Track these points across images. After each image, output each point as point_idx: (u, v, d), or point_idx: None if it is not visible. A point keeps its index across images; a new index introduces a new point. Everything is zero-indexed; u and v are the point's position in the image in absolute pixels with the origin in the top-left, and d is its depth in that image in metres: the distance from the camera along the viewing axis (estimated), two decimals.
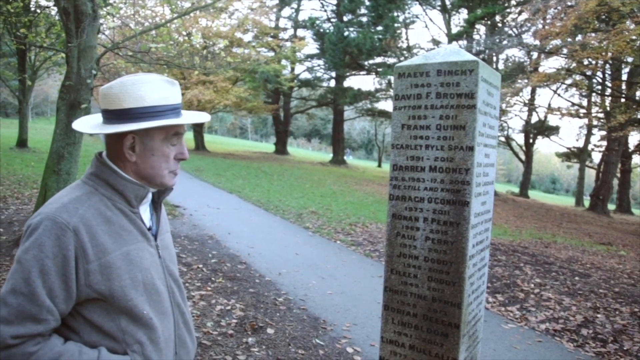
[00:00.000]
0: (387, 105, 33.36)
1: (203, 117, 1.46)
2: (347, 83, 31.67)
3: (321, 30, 29.61)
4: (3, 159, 14.54)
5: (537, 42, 16.90)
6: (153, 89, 1.32)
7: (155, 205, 1.51)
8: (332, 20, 30.35)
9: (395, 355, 2.09)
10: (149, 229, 1.43)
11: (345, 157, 35.40)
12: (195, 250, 6.73)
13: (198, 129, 30.93)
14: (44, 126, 36.75)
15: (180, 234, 7.60)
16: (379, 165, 41.53)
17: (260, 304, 4.87)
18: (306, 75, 33.41)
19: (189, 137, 39.82)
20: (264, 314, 4.60)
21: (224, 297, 4.96)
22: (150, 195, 1.45)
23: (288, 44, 30.20)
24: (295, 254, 7.16)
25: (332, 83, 32.27)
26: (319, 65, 32.30)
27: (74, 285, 1.21)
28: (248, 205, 11.62)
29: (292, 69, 33.14)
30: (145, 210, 1.45)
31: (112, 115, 1.32)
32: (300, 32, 32.69)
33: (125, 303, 1.27)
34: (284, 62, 29.84)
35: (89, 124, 1.39)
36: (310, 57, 32.10)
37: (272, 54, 29.00)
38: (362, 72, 30.95)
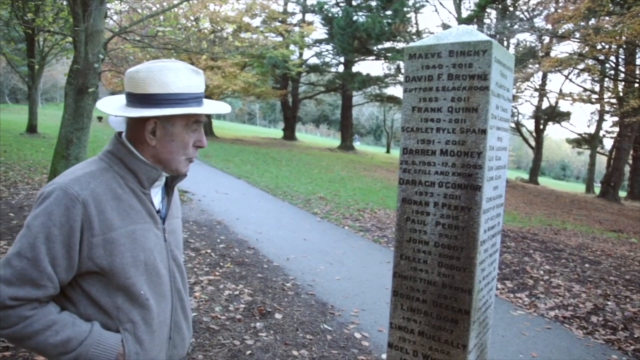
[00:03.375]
0: (396, 90, 33.13)
1: (224, 108, 1.47)
2: (355, 68, 31.41)
3: (330, 14, 29.29)
4: (13, 144, 14.64)
5: (549, 26, 16.63)
6: (179, 76, 1.34)
7: (168, 190, 1.54)
8: (341, 4, 29.98)
9: (404, 341, 2.06)
10: (158, 212, 1.45)
11: (353, 143, 35.26)
12: (203, 235, 6.74)
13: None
14: (54, 112, 36.92)
15: (188, 219, 7.62)
16: (388, 151, 41.34)
17: (268, 289, 4.88)
18: (314, 61, 33.17)
19: None
20: (272, 299, 4.60)
21: (232, 282, 4.97)
22: (163, 179, 1.48)
23: (296, 28, 29.92)
24: (304, 239, 7.15)
25: (341, 68, 32.02)
26: (327, 51, 32.04)
27: (77, 256, 1.24)
28: (256, 190, 11.63)
29: (301, 54, 32.90)
30: (156, 194, 1.47)
31: (136, 99, 1.35)
32: (309, 17, 32.39)
33: (123, 280, 1.29)
34: (292, 47, 29.60)
35: (113, 106, 1.40)
36: (319, 42, 31.82)
37: (280, 39, 28.78)
38: (370, 57, 30.66)
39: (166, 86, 1.32)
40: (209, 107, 1.43)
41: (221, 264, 5.54)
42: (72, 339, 1.24)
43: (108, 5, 6.68)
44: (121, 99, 1.43)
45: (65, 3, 9.79)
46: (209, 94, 26.59)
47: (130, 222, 1.32)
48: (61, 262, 1.22)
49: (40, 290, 1.22)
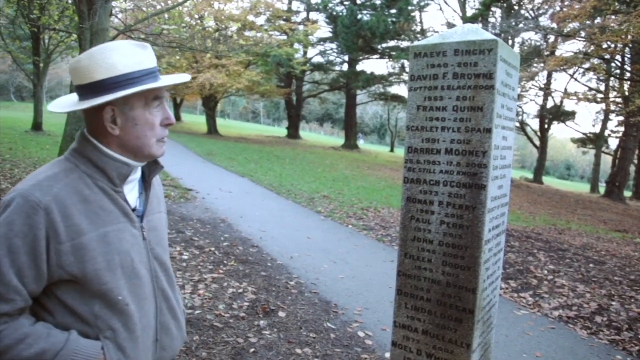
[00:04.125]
0: (400, 89, 33.09)
1: (182, 78, 1.38)
2: (359, 67, 31.36)
3: (334, 13, 29.27)
4: (19, 142, 14.70)
5: (555, 25, 16.56)
6: (124, 55, 1.24)
7: (146, 184, 1.44)
8: (345, 3, 29.92)
9: (408, 340, 2.07)
10: (134, 210, 1.36)
11: (357, 142, 35.24)
12: (207, 233, 6.76)
13: (210, 112, 30.97)
14: None
15: (192, 217, 7.63)
16: (392, 150, 41.29)
17: (271, 287, 4.89)
18: (319, 59, 33.15)
19: (201, 121, 39.94)
20: (276, 297, 4.61)
21: (235, 280, 4.98)
22: (137, 173, 1.40)
23: (300, 27, 29.91)
24: (307, 237, 7.16)
25: (345, 67, 31.97)
26: (331, 49, 32.02)
27: (45, 265, 1.17)
28: (260, 189, 11.64)
29: (305, 53, 32.88)
30: (131, 189, 1.38)
31: (85, 90, 1.25)
32: (313, 15, 32.38)
33: (98, 287, 1.22)
34: (296, 45, 29.59)
35: (64, 104, 1.33)
36: (323, 40, 31.80)
37: (284, 37, 28.78)
38: (375, 56, 30.59)
39: (113, 68, 1.22)
40: (165, 79, 1.32)
41: (225, 261, 5.55)
42: (47, 351, 1.17)
43: (113, 4, 6.70)
44: (74, 96, 1.33)
45: (70, 1, 9.82)
46: (213, 92, 26.64)
47: (101, 225, 1.24)
48: (28, 272, 1.15)
49: (8, 305, 1.15)
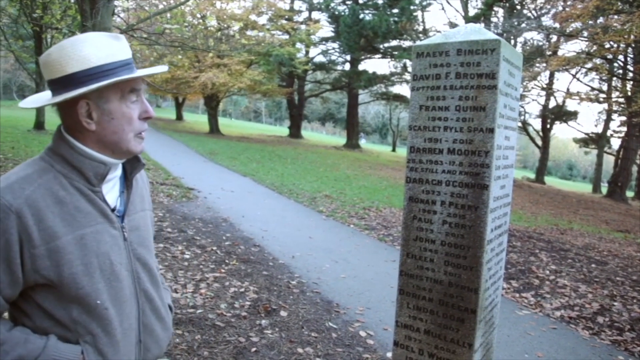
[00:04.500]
0: (402, 89, 33.14)
1: (159, 68, 1.33)
2: (362, 66, 31.31)
3: (336, 12, 29.24)
4: (21, 141, 14.73)
5: (557, 25, 16.52)
6: (96, 47, 1.20)
7: (127, 183, 1.40)
8: (347, 2, 29.91)
9: (410, 339, 2.07)
10: (113, 210, 1.32)
11: (359, 142, 35.22)
12: (209, 232, 6.76)
13: (212, 112, 30.97)
14: None
15: (194, 216, 7.64)
16: (393, 150, 41.26)
17: (273, 286, 4.89)
18: (321, 59, 33.11)
19: (203, 120, 39.92)
20: (277, 297, 4.61)
21: (237, 279, 4.99)
22: (118, 172, 1.36)
23: (303, 26, 29.90)
24: (309, 237, 7.16)
25: (347, 66, 31.94)
26: (333, 49, 31.98)
27: (19, 270, 1.14)
28: (262, 188, 11.65)
29: (307, 52, 32.88)
30: (111, 188, 1.34)
31: (58, 85, 1.21)
32: (315, 15, 32.36)
33: (76, 291, 1.19)
34: (298, 45, 29.58)
35: (37, 100, 1.30)
36: (325, 40, 31.78)
37: (286, 36, 28.77)
38: (377, 56, 30.58)
39: (85, 60, 1.18)
40: (141, 71, 1.28)
41: (227, 261, 5.56)
42: (24, 357, 1.14)
43: (115, 3, 6.71)
44: (47, 93, 1.29)
45: (73, 1, 9.83)
46: (215, 91, 26.64)
47: (77, 227, 1.20)
48: (2, 278, 1.12)
49: None
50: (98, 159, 1.25)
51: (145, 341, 1.38)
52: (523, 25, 18.45)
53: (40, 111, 18.90)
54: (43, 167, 1.22)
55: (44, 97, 1.29)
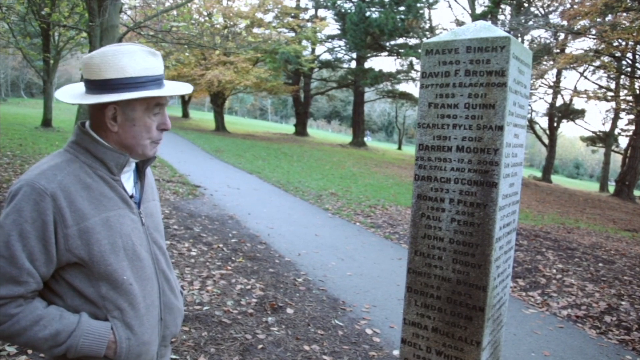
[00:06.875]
0: (408, 87, 33.12)
1: (185, 89, 1.44)
2: (368, 64, 31.25)
3: (342, 10, 29.17)
4: (29, 138, 14.81)
5: (565, 23, 16.43)
6: (134, 59, 1.32)
7: (140, 174, 1.52)
8: (354, 0, 29.87)
9: (418, 337, 2.07)
10: (131, 197, 1.44)
11: (365, 139, 35.18)
12: (215, 229, 6.78)
13: (218, 109, 31.03)
14: (68, 106, 37.22)
15: (200, 213, 7.66)
16: (399, 148, 41.16)
17: (280, 284, 4.90)
18: (327, 56, 33.06)
19: (209, 118, 40.00)
20: (284, 294, 4.62)
21: (244, 276, 5.00)
22: (133, 164, 1.47)
23: (309, 24, 29.85)
24: (315, 235, 7.17)
25: (353, 64, 31.88)
26: (339, 46, 31.93)
27: (54, 249, 1.24)
28: (268, 186, 11.66)
29: (313, 50, 32.85)
30: (127, 179, 1.46)
31: (93, 86, 1.33)
32: (321, 12, 32.32)
33: (104, 268, 1.30)
34: (304, 42, 29.54)
35: (71, 94, 1.40)
36: (331, 37, 31.73)
37: (292, 34, 28.76)
38: (383, 53, 30.49)
39: (122, 70, 1.30)
40: (169, 88, 1.40)
41: (233, 258, 5.57)
42: (61, 332, 1.25)
43: (123, 1, 6.72)
44: (81, 86, 1.41)
45: None
46: (221, 88, 26.68)
47: (103, 210, 1.32)
48: (39, 256, 1.23)
49: (22, 287, 1.22)
50: (118, 151, 1.38)
51: (165, 319, 1.50)
52: (530, 22, 18.36)
53: (47, 109, 19.00)
54: (69, 158, 1.33)
55: (78, 90, 1.40)
